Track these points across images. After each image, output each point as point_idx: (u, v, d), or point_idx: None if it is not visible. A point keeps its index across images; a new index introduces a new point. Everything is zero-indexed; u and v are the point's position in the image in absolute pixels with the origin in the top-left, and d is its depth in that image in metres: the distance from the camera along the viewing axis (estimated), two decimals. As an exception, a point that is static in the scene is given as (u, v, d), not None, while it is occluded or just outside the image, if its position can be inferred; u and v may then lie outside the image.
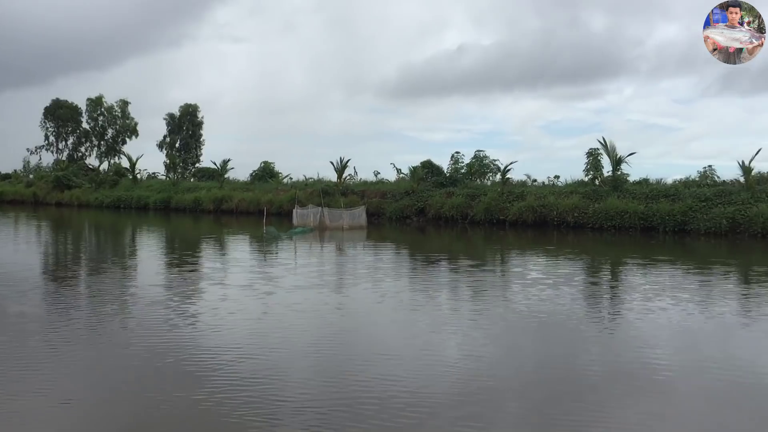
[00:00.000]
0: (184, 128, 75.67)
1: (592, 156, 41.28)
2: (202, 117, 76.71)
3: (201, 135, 76.89)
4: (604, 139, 37.45)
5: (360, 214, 36.55)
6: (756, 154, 33.14)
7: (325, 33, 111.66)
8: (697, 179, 38.97)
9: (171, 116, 75.75)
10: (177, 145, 75.68)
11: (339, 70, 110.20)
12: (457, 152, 48.42)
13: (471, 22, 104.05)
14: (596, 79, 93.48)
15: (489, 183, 45.75)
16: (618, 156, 37.08)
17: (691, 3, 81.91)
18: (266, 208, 39.06)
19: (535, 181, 45.78)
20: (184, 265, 19.09)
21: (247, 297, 13.71)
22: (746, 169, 32.93)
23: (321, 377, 8.24)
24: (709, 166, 39.92)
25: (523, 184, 45.04)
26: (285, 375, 8.31)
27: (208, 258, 22.33)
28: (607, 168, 38.86)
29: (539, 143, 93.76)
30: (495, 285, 15.76)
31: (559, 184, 43.45)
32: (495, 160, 47.56)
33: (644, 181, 38.79)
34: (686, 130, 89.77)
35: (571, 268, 19.47)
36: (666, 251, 24.74)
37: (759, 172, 36.42)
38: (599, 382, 8.21)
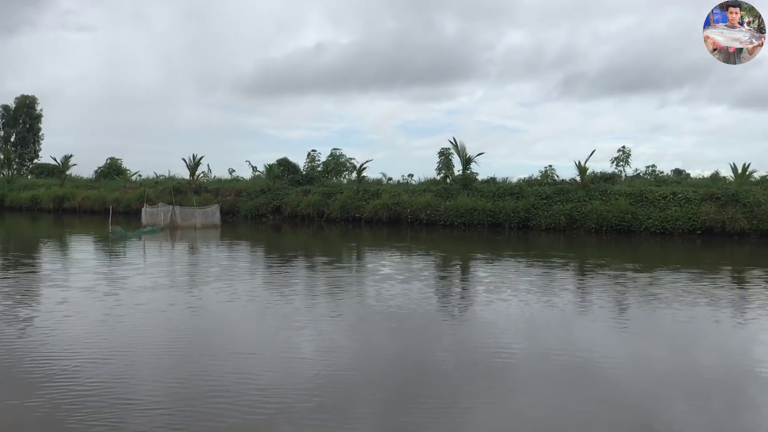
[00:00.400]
0: (21, 121, 70.06)
1: (444, 155, 42.77)
2: (41, 109, 71.25)
3: (40, 129, 71.35)
4: (454, 139, 39.00)
5: (213, 213, 35.70)
6: (590, 155, 35.91)
7: (178, 26, 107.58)
8: (539, 178, 41.47)
9: (5, 108, 69.86)
10: (12, 139, 70.01)
11: (193, 65, 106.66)
12: (313, 150, 48.57)
13: (329, 21, 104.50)
14: (449, 81, 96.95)
15: (345, 181, 46.20)
16: (468, 156, 38.70)
17: (536, 11, 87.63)
18: (112, 206, 37.07)
19: (390, 179, 46.78)
20: (19, 267, 17.70)
21: (88, 299, 12.91)
22: (582, 169, 35.43)
23: (170, 377, 7.94)
24: (550, 166, 42.70)
25: (378, 182, 45.86)
26: (131, 377, 7.92)
27: (46, 259, 20.88)
28: (457, 167, 40.48)
29: (395, 142, 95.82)
30: (349, 281, 15.92)
31: (413, 182, 44.65)
32: (351, 159, 48.17)
33: (492, 180, 40.73)
34: (530, 132, 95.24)
35: (422, 263, 20.07)
36: (510, 246, 26.10)
37: (593, 172, 39.41)
38: (449, 371, 8.49)
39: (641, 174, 44.42)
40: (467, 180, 38.30)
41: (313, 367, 8.47)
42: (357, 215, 37.75)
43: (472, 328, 11.11)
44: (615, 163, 43.63)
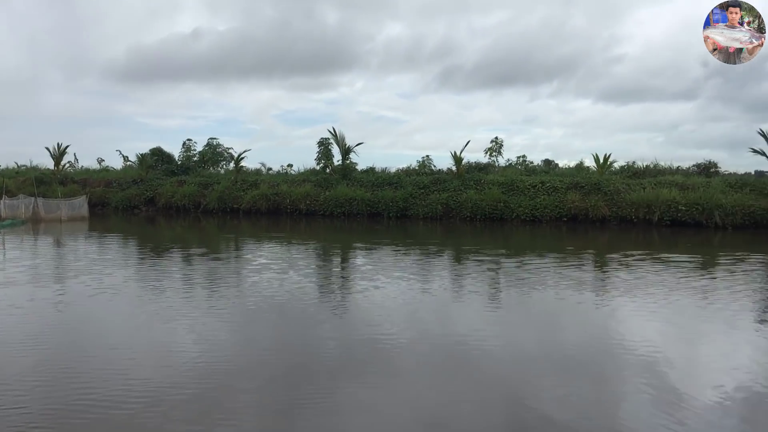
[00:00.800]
0: None
1: (324, 145, 42.75)
2: None
3: None
4: (334, 129, 39.05)
5: (81, 204, 33.95)
6: (465, 146, 37.09)
7: (41, 7, 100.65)
8: (417, 168, 42.35)
9: None
10: None
11: (58, 49, 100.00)
12: (189, 140, 47.15)
13: (206, 7, 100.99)
14: (330, 71, 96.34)
15: (223, 171, 45.24)
16: (347, 146, 38.89)
17: (415, 4, 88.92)
18: (-34, 198, 34.44)
19: (270, 169, 46.33)
20: None
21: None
22: (457, 160, 36.50)
23: (34, 377, 7.52)
24: (427, 156, 43.65)
25: (257, 172, 45.25)
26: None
27: None
28: (337, 157, 40.55)
29: (275, 132, 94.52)
30: (226, 273, 15.63)
31: (293, 172, 44.37)
32: (229, 149, 47.18)
33: (371, 170, 41.19)
34: (410, 123, 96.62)
35: (301, 254, 20.01)
36: (389, 235, 26.51)
37: (468, 162, 40.71)
38: (330, 359, 8.54)
39: (513, 164, 46.33)
40: (347, 170, 38.53)
41: (188, 359, 8.30)
42: (235, 206, 37.11)
43: (351, 315, 11.23)
44: (489, 153, 45.23)
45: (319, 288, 13.82)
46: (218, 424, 6.29)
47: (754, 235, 26.37)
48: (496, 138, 45.43)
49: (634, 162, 40.66)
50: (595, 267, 17.52)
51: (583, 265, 17.53)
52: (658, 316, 11.12)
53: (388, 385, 7.49)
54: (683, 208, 29.26)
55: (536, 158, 56.78)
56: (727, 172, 38.88)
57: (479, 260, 18.02)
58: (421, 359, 8.53)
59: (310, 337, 9.73)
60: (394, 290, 13.20)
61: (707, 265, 17.83)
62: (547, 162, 51.07)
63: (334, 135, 39.02)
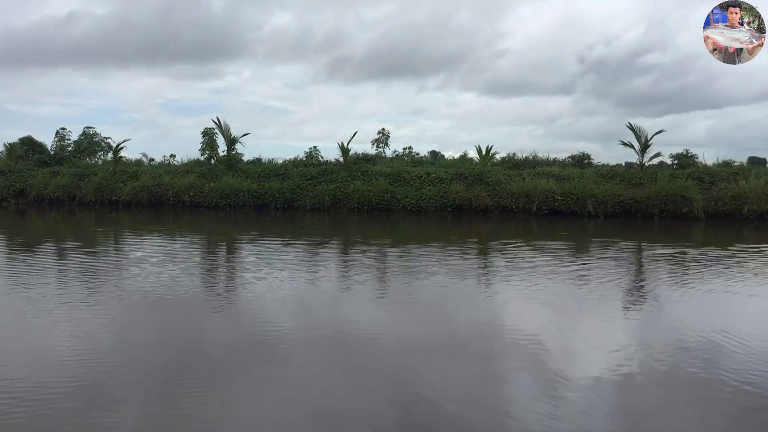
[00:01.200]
0: None
1: (208, 136, 41.66)
2: None
3: None
4: (218, 119, 38.08)
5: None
6: (353, 137, 37.07)
7: None
8: (304, 159, 42.09)
9: None
10: None
11: None
12: (63, 128, 44.65)
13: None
14: (216, 59, 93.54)
15: (101, 162, 43.22)
16: (232, 136, 38.06)
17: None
18: None
19: (152, 160, 44.72)
20: None
21: None
22: (345, 151, 36.56)
23: None
24: (315, 147, 43.43)
25: (138, 163, 43.56)
26: None
27: None
28: (222, 148, 39.66)
29: (158, 122, 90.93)
30: (102, 267, 14.94)
31: (176, 163, 43.01)
32: (107, 138, 45.09)
33: (257, 161, 40.54)
34: (298, 114, 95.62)
35: (183, 246, 19.46)
36: (276, 227, 26.28)
37: (355, 153, 40.87)
38: (212, 352, 8.37)
39: (400, 155, 46.91)
40: (232, 161, 37.75)
41: (60, 356, 7.93)
42: (114, 198, 35.55)
43: (234, 308, 11.06)
44: (375, 144, 45.57)
45: (202, 280, 13.49)
46: (92, 421, 6.03)
47: (623, 223, 28.05)
48: (383, 129, 45.85)
49: (514, 153, 42.17)
50: (477, 255, 18.07)
51: (465, 253, 18.03)
52: (536, 300, 11.65)
53: (274, 377, 7.42)
54: (559, 198, 30.66)
55: (423, 150, 57.90)
56: (600, 164, 41.12)
57: (365, 250, 18.17)
58: (307, 350, 8.53)
59: (190, 330, 9.51)
60: (279, 281, 13.09)
61: (581, 251, 18.80)
62: (434, 153, 52.06)
63: (219, 125, 38.10)
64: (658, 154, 34.88)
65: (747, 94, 74.34)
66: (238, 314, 10.52)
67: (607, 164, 40.72)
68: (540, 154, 41.48)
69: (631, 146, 33.70)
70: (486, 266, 15.88)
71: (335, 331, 9.47)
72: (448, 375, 7.48)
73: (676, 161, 43.63)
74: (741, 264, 16.32)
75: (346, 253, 18.16)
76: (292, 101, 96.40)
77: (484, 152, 36.63)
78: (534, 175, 32.96)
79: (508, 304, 11.60)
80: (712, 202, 29.49)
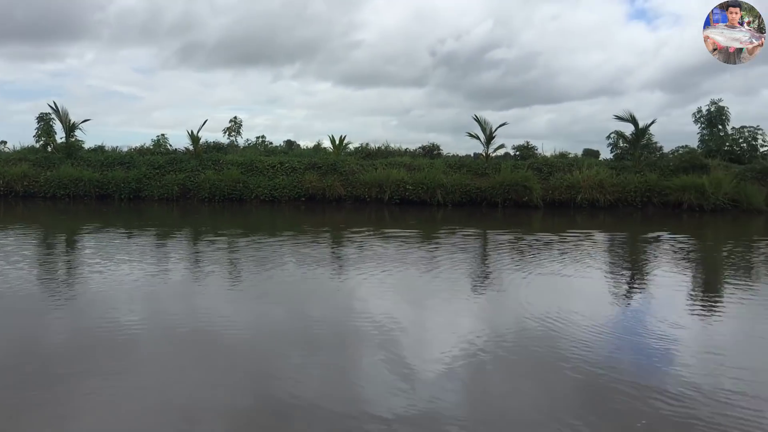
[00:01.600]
0: None
1: (44, 121, 38.88)
2: None
3: None
4: (55, 103, 35.61)
5: None
6: (203, 125, 36.06)
7: None
8: (151, 147, 40.35)
9: None
10: None
11: None
12: None
13: None
14: (55, 40, 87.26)
15: None
16: (71, 122, 35.72)
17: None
18: None
19: (-22, 147, 41.01)
20: None
21: None
22: (195, 139, 35.45)
23: None
24: (163, 134, 41.83)
25: (-38, 150, 39.82)
26: None
27: None
28: (60, 134, 37.12)
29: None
30: None
31: (8, 150, 39.83)
32: None
33: (100, 149, 38.36)
34: (147, 100, 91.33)
35: (14, 241, 18.04)
36: (120, 218, 25.02)
37: (206, 141, 39.76)
38: (55, 353, 7.81)
39: (253, 144, 46.20)
40: (71, 148, 35.42)
41: None
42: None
43: (83, 305, 10.38)
44: (227, 133, 44.58)
45: (36, 277, 12.54)
46: None
47: (470, 211, 29.29)
48: (235, 118, 45.06)
49: (368, 144, 42.79)
50: (330, 244, 18.16)
51: (318, 242, 18.09)
52: (389, 287, 11.92)
53: (126, 375, 7.00)
54: (410, 187, 31.45)
55: (279, 139, 57.51)
56: (450, 154, 42.64)
57: (215, 240, 17.75)
58: (159, 346, 8.22)
59: (26, 329, 8.80)
60: (123, 275, 12.46)
61: (430, 238, 19.40)
62: (289, 143, 51.75)
63: (56, 110, 35.59)
64: (502, 146, 36.85)
65: (583, 91, 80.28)
66: (87, 311, 9.86)
67: (456, 155, 42.35)
68: (392, 145, 42.46)
69: (478, 138, 35.24)
70: (337, 254, 16.00)
71: (186, 324, 9.16)
72: (306, 363, 7.48)
73: (518, 152, 46.14)
74: (573, 249, 17.55)
75: (196, 244, 17.64)
76: (139, 86, 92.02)
77: (337, 142, 36.87)
78: (386, 165, 33.57)
79: (361, 291, 11.77)
80: (550, 192, 31.51)
